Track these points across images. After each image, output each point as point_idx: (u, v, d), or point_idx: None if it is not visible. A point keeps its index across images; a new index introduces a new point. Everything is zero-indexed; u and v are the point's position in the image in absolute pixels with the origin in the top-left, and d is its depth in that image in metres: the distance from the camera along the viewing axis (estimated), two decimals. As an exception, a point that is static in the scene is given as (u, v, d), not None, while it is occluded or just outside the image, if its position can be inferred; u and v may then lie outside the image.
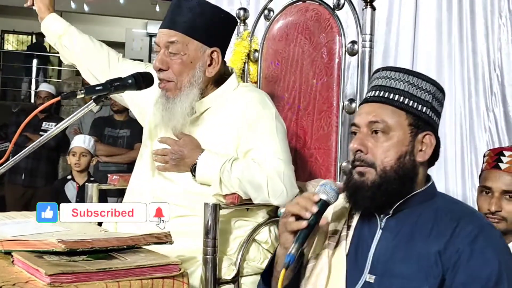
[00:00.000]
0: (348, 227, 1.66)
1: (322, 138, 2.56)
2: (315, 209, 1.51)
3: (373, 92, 1.63)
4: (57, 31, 2.51)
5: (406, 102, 1.58)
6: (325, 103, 2.55)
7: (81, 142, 4.88)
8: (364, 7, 2.43)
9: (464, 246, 1.47)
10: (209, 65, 2.18)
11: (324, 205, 1.54)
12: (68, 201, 4.94)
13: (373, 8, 2.42)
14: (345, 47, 2.50)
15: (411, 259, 1.50)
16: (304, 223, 1.50)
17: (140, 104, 2.44)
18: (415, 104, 1.59)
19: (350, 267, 1.58)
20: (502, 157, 2.21)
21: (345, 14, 2.62)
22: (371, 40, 2.43)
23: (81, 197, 4.89)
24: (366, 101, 1.64)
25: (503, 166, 2.20)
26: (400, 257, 1.52)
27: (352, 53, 2.48)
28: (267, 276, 1.67)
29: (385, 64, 3.17)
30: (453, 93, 3.10)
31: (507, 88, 3.07)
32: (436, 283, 1.47)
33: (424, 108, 1.60)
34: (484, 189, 2.24)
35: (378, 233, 1.59)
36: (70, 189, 5.05)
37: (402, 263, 1.51)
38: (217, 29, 2.20)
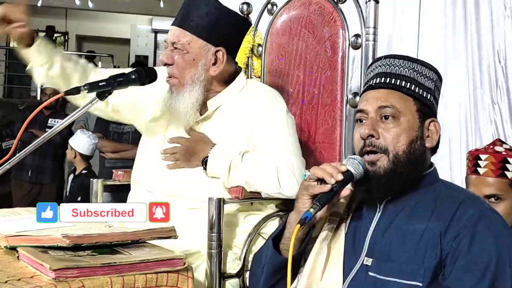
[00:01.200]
0: (349, 210, 1.67)
1: (327, 132, 2.56)
2: (340, 177, 1.51)
3: (378, 78, 1.62)
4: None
5: (413, 89, 1.59)
6: (329, 97, 2.55)
7: (75, 143, 4.99)
8: (367, 0, 2.42)
9: (465, 231, 1.47)
10: (214, 64, 2.20)
11: (349, 176, 1.54)
12: (65, 191, 5.28)
13: (377, 1, 2.41)
14: (349, 40, 2.50)
15: (408, 241, 1.51)
16: (327, 186, 1.51)
17: (139, 103, 2.40)
18: (421, 91, 1.60)
19: (348, 249, 1.60)
20: (479, 161, 2.22)
21: (348, 8, 2.61)
22: (374, 34, 2.43)
23: (72, 185, 5.25)
24: (371, 87, 1.63)
25: (481, 170, 2.21)
26: (397, 240, 1.53)
27: (356, 46, 2.47)
28: (275, 241, 1.67)
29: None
30: (457, 85, 3.09)
31: (511, 81, 3.06)
32: (432, 265, 1.47)
33: (429, 95, 1.62)
34: None
35: (377, 216, 1.60)
36: (71, 178, 5.24)
37: (398, 246, 1.52)
38: (223, 30, 2.21)
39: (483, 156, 2.24)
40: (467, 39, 3.09)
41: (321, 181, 1.53)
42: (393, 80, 1.60)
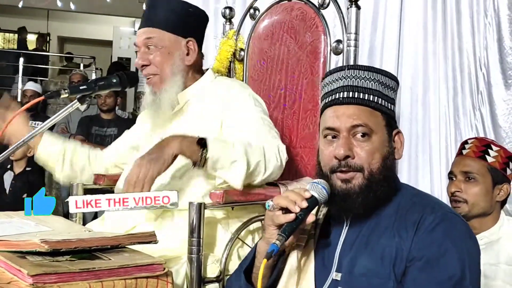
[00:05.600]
0: (316, 226, 1.66)
1: (308, 137, 2.56)
2: (304, 204, 1.49)
3: (345, 93, 1.58)
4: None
5: (380, 102, 1.58)
6: (310, 102, 2.55)
7: None
8: (349, 6, 2.43)
9: (424, 238, 1.48)
10: (187, 54, 2.30)
11: (314, 202, 1.52)
12: (4, 190, 5.21)
13: (358, 7, 2.42)
14: (330, 46, 2.50)
15: (375, 254, 1.51)
16: (291, 216, 1.48)
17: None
18: (386, 103, 1.59)
19: (318, 266, 1.59)
20: (465, 145, 2.33)
21: (330, 13, 2.62)
22: (356, 39, 2.43)
23: (14, 185, 5.17)
24: (339, 102, 1.59)
25: (465, 151, 2.33)
26: (364, 253, 1.53)
27: (337, 52, 2.48)
28: (246, 272, 1.65)
29: (373, 62, 3.19)
30: (437, 91, 3.11)
31: (493, 87, 3.09)
32: (400, 278, 1.48)
33: (392, 106, 1.62)
34: (449, 176, 2.38)
35: (344, 230, 1.60)
36: (7, 178, 5.19)
37: (366, 259, 1.52)
38: (189, 22, 2.32)
39: (470, 141, 2.37)
40: (447, 46, 3.11)
41: (286, 210, 1.50)
42: (361, 94, 1.57)
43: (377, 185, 1.54)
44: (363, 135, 1.54)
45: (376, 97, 1.57)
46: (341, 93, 1.59)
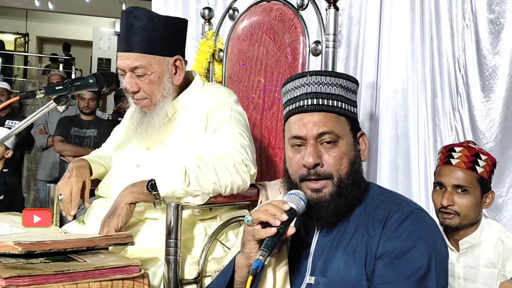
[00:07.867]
0: None
1: (287, 138, 2.56)
2: (284, 217, 1.47)
3: (310, 100, 1.57)
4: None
5: (344, 107, 1.57)
6: (289, 103, 2.55)
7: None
8: (327, 7, 2.43)
9: (391, 234, 1.49)
10: (175, 73, 2.23)
11: (293, 214, 1.50)
12: None
13: (336, 8, 2.43)
14: (309, 47, 2.50)
15: (347, 255, 1.52)
16: (273, 230, 1.45)
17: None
18: (349, 107, 1.59)
19: (293, 271, 1.58)
20: (453, 153, 2.28)
21: (309, 14, 2.62)
22: (334, 41, 2.44)
23: None
24: (304, 110, 1.57)
25: (454, 161, 2.27)
26: (336, 256, 1.54)
27: (316, 53, 2.48)
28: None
29: (356, 64, 3.21)
30: (417, 93, 3.12)
31: (471, 88, 3.10)
32: (371, 275, 1.49)
33: (355, 109, 1.62)
34: (437, 185, 2.32)
35: (316, 235, 1.60)
36: None
37: (338, 261, 1.53)
38: (173, 38, 2.23)
39: (457, 149, 2.30)
40: (425, 48, 3.12)
41: (266, 224, 1.48)
42: (326, 101, 1.56)
43: (347, 190, 1.54)
44: (330, 142, 1.54)
45: (340, 102, 1.57)
46: (305, 100, 1.58)
